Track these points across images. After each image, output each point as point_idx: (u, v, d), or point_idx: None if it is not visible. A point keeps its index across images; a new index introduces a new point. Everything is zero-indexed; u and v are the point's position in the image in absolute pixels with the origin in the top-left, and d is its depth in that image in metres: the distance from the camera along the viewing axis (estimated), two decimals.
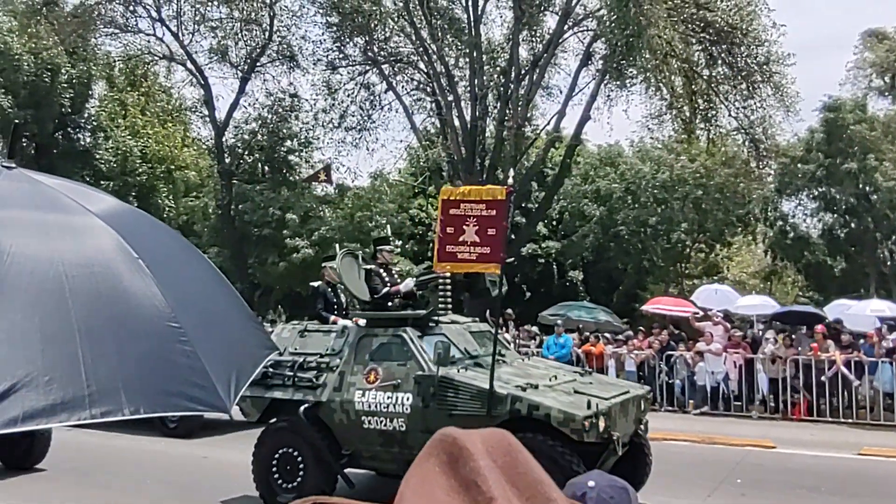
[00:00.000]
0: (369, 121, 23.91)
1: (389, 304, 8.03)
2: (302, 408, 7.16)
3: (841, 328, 14.33)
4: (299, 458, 7.29)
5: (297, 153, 26.71)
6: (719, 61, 20.85)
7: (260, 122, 25.76)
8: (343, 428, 7.17)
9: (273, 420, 7.68)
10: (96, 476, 8.78)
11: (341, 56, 23.33)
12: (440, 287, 7.97)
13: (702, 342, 14.27)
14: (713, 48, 20.53)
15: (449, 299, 8.06)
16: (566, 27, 21.37)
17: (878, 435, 11.66)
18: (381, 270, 8.26)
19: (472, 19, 21.43)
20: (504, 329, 14.30)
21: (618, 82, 20.99)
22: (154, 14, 24.06)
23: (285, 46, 24.61)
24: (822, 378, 12.88)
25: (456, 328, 7.74)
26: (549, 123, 22.62)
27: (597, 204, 27.31)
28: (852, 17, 60.91)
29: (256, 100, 25.85)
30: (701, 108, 21.26)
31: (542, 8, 21.43)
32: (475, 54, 21.20)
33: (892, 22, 31.63)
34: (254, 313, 2.78)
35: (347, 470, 7.28)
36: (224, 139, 25.26)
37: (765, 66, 20.21)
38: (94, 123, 26.72)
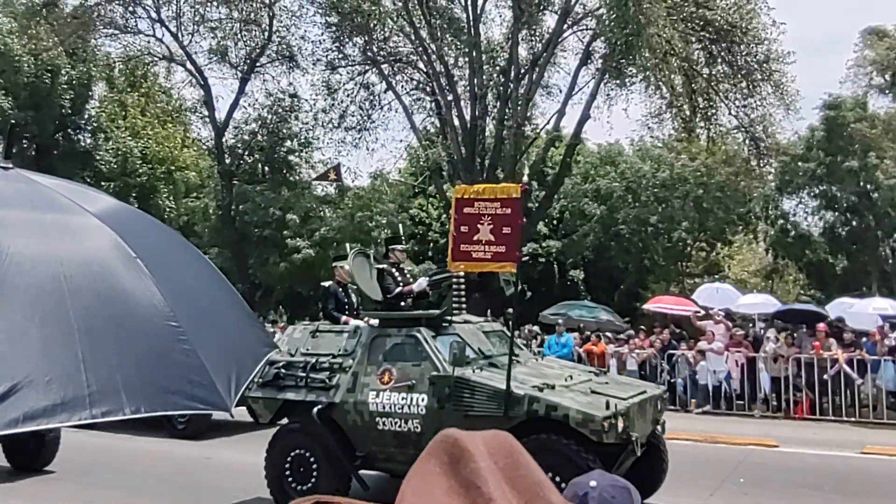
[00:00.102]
0: (369, 121, 23.95)
1: (402, 303, 7.97)
2: (315, 409, 7.07)
3: (843, 326, 14.32)
4: (312, 460, 7.22)
5: (297, 153, 26.73)
6: (719, 60, 20.85)
7: (260, 122, 25.79)
8: (357, 429, 7.09)
9: (286, 421, 7.61)
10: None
11: (341, 56, 23.36)
12: (454, 286, 7.92)
13: (703, 341, 14.25)
14: (713, 46, 20.52)
15: (463, 299, 8.01)
16: (566, 26, 21.37)
17: (880, 433, 11.63)
18: (394, 270, 8.19)
19: (471, 19, 21.44)
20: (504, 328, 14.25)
21: (617, 81, 21.00)
22: (154, 15, 24.10)
23: (285, 47, 24.64)
24: (825, 377, 12.85)
25: (469, 328, 7.67)
26: (548, 122, 22.65)
27: (597, 203, 27.31)
28: (852, 15, 60.95)
29: (256, 100, 25.95)
30: (701, 106, 21.26)
31: (542, 7, 21.44)
32: (475, 54, 21.20)
33: (893, 20, 31.65)
34: (253, 312, 2.77)
35: (361, 472, 7.22)
36: (224, 139, 25.29)
37: (765, 65, 20.20)
38: (95, 124, 26.76)
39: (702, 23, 19.64)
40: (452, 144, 21.32)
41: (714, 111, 21.51)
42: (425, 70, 22.34)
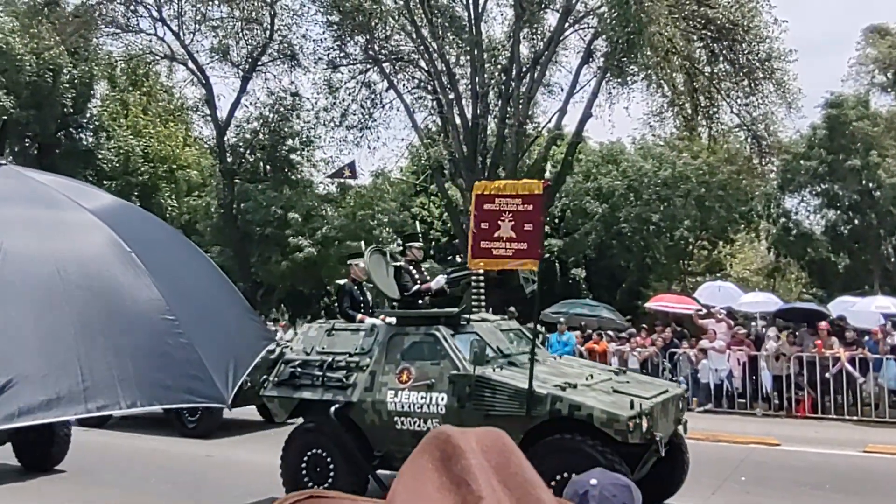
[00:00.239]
0: (370, 119, 23.94)
1: (420, 301, 7.89)
2: (333, 408, 6.96)
3: (845, 325, 14.29)
4: (329, 460, 7.14)
5: (298, 152, 26.74)
6: (720, 58, 20.83)
7: (261, 121, 25.80)
8: (375, 429, 6.99)
9: (302, 420, 7.53)
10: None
11: (342, 55, 23.35)
12: (473, 284, 7.85)
13: (705, 339, 14.24)
14: (714, 45, 20.51)
15: (482, 296, 7.93)
16: (567, 24, 21.36)
17: (883, 432, 11.61)
18: (411, 267, 8.12)
19: (472, 17, 21.44)
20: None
21: (619, 79, 20.97)
22: (155, 14, 24.14)
23: (286, 45, 24.65)
24: (827, 375, 12.84)
25: (487, 326, 7.57)
26: (550, 121, 22.65)
27: (599, 201, 27.28)
28: (852, 15, 60.86)
29: (258, 99, 25.97)
30: (702, 105, 21.25)
31: (543, 5, 21.43)
32: (476, 52, 21.20)
33: (894, 18, 31.57)
34: (250, 307, 2.77)
35: (379, 471, 7.12)
36: (226, 138, 25.32)
37: (766, 63, 20.19)
38: (96, 123, 26.80)
39: (703, 21, 19.63)
40: (454, 143, 21.32)
41: (716, 109, 21.51)
42: (427, 68, 22.34)
